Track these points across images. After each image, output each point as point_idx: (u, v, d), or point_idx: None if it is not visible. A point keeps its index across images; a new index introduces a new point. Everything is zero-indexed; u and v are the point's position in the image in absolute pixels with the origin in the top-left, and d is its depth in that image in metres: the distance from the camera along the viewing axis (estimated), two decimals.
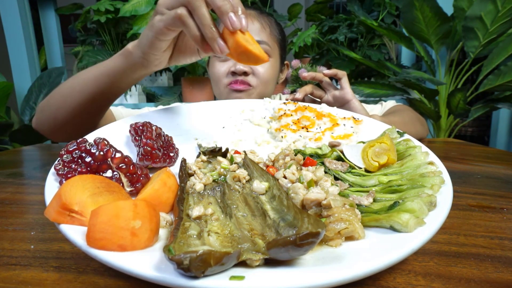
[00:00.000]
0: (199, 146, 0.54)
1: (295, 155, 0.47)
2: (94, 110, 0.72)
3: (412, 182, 0.40)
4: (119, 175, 0.40)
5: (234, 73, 0.93)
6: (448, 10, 1.95)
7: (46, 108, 0.74)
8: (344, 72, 0.85)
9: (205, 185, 0.41)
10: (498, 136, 2.53)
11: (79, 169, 0.39)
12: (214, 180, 0.43)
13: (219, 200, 0.38)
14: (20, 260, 0.36)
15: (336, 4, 3.97)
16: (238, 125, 0.65)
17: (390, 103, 1.11)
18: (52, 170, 0.40)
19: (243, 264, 0.27)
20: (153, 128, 0.50)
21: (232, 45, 0.47)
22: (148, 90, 2.62)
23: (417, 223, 0.31)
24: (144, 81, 2.61)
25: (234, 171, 0.44)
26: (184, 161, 0.46)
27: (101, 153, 0.39)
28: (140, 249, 0.29)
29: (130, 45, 0.62)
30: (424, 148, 0.49)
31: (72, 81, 0.71)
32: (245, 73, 0.93)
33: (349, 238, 0.32)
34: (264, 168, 0.46)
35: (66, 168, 0.39)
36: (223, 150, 0.51)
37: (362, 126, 0.62)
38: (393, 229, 0.32)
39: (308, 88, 0.83)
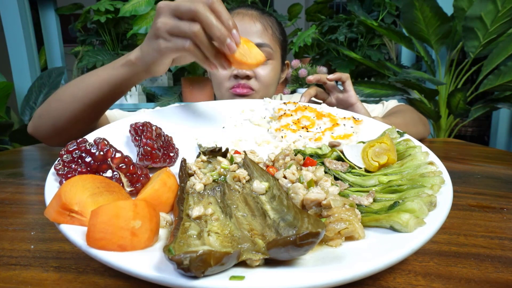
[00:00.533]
0: (199, 146, 0.54)
1: (295, 155, 0.47)
2: (94, 116, 0.74)
3: (412, 182, 0.40)
4: (119, 175, 0.40)
5: (236, 77, 0.92)
6: (448, 10, 1.95)
7: (45, 114, 0.74)
8: (348, 75, 0.85)
9: (205, 185, 0.41)
10: (498, 136, 2.53)
11: (79, 169, 0.39)
12: (214, 180, 0.43)
13: (219, 200, 0.38)
14: (20, 260, 0.36)
15: (336, 4, 3.97)
16: (238, 125, 0.65)
17: (392, 103, 1.10)
18: (52, 170, 0.40)
19: (243, 264, 0.27)
20: (153, 128, 0.50)
21: (232, 60, 0.55)
22: (148, 90, 2.62)
23: (417, 223, 0.31)
24: (144, 81, 2.62)
25: (234, 171, 0.44)
26: (184, 161, 0.46)
27: (101, 153, 0.39)
28: (140, 249, 0.29)
29: (133, 57, 0.64)
30: (424, 148, 0.49)
31: (73, 89, 0.71)
32: (248, 77, 0.92)
33: (349, 238, 0.32)
34: (264, 168, 0.46)
35: (66, 168, 0.39)
36: (223, 150, 0.51)
37: (362, 126, 0.62)
38: (393, 229, 0.32)
39: (312, 91, 0.83)
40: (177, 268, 0.24)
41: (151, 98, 2.64)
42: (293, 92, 2.28)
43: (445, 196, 0.37)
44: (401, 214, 0.32)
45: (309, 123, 0.62)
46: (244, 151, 0.49)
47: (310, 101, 0.86)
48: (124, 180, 0.40)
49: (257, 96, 0.95)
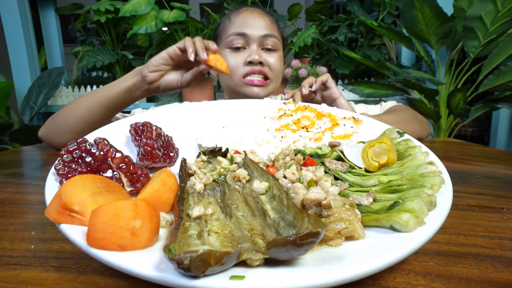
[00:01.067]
0: (199, 146, 0.54)
1: (295, 155, 0.47)
2: (106, 121, 0.88)
3: (412, 182, 0.40)
4: (119, 175, 0.40)
5: (250, 63, 0.98)
6: (448, 10, 1.95)
7: (62, 122, 0.88)
8: (327, 75, 0.89)
9: (205, 185, 0.41)
10: (498, 136, 2.53)
11: (79, 169, 0.39)
12: (214, 180, 0.43)
13: (219, 200, 0.38)
14: (20, 260, 0.36)
15: (336, 4, 3.97)
16: (238, 125, 0.65)
17: (390, 103, 1.11)
18: (52, 170, 0.40)
19: (243, 264, 0.27)
20: (153, 128, 0.50)
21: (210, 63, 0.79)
22: None
23: (417, 223, 0.31)
24: None
25: (234, 171, 0.44)
26: (184, 161, 0.46)
27: (101, 153, 0.39)
28: (140, 249, 0.29)
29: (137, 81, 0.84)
30: (424, 148, 0.49)
31: (89, 103, 0.86)
32: (261, 63, 0.98)
33: (349, 238, 0.32)
34: (264, 168, 0.46)
35: (66, 168, 0.39)
36: (223, 150, 0.51)
37: (362, 126, 0.62)
38: (393, 229, 0.32)
39: (300, 93, 0.87)
40: (177, 268, 0.24)
41: (151, 98, 2.64)
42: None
43: (445, 196, 0.37)
44: (401, 214, 0.32)
45: (309, 123, 0.62)
46: (244, 151, 0.49)
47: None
48: (124, 180, 0.40)
49: (270, 86, 1.01)
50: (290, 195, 0.37)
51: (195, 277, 0.25)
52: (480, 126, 3.06)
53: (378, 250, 0.29)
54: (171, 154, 0.51)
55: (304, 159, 0.46)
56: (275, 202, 0.36)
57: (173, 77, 0.84)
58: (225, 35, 1.03)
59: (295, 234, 0.26)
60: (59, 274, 0.34)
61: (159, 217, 0.32)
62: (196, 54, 0.78)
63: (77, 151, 0.40)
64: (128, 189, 0.40)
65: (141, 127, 0.50)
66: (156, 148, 0.47)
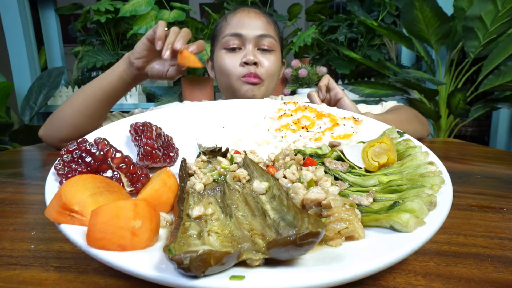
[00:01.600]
0: (199, 146, 0.54)
1: (295, 155, 0.47)
2: (102, 114, 0.91)
3: (412, 182, 0.40)
4: (119, 175, 0.40)
5: (245, 64, 0.98)
6: (448, 10, 1.95)
7: (60, 118, 0.89)
8: (327, 76, 0.89)
9: (205, 185, 0.41)
10: (498, 136, 2.53)
11: (79, 169, 0.39)
12: (214, 180, 0.43)
13: (219, 200, 0.38)
14: (20, 260, 0.36)
15: (336, 4, 3.96)
16: (238, 125, 0.65)
17: (391, 103, 1.11)
18: (52, 170, 0.40)
19: (243, 264, 0.27)
20: (153, 128, 0.50)
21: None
22: (148, 90, 2.62)
23: (417, 223, 0.31)
24: (144, 81, 2.61)
25: (234, 171, 0.44)
26: (184, 161, 0.46)
27: (101, 153, 0.39)
28: (140, 249, 0.29)
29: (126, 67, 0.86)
30: (424, 148, 0.49)
31: (84, 96, 0.88)
32: (255, 64, 0.98)
33: (349, 238, 0.32)
34: (264, 168, 0.46)
35: (66, 168, 0.39)
36: (223, 150, 0.51)
37: (362, 126, 0.62)
38: (393, 229, 0.32)
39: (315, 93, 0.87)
40: (177, 268, 0.24)
41: (151, 98, 2.64)
42: (293, 92, 2.28)
43: (445, 196, 0.37)
44: (401, 214, 0.32)
45: (309, 123, 0.62)
46: (244, 151, 0.49)
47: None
48: (124, 180, 0.40)
49: (263, 85, 1.01)
50: (290, 195, 0.37)
51: (195, 277, 0.25)
52: (480, 126, 3.06)
53: (378, 250, 0.29)
54: (171, 154, 0.51)
55: (304, 159, 0.46)
56: (275, 202, 0.36)
57: (158, 68, 0.84)
58: (221, 35, 1.03)
59: (295, 234, 0.26)
60: (59, 274, 0.34)
61: (159, 217, 0.32)
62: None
63: (77, 151, 0.40)
64: (128, 189, 0.40)
65: (141, 127, 0.50)
66: (156, 148, 0.47)
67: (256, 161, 0.48)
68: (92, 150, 0.40)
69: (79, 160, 0.40)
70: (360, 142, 0.52)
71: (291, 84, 2.36)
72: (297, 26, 3.00)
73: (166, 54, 0.75)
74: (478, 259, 0.36)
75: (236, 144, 0.59)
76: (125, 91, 0.89)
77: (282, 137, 0.59)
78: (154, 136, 0.49)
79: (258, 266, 0.27)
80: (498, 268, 0.34)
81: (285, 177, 0.41)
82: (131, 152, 0.52)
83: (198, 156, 0.50)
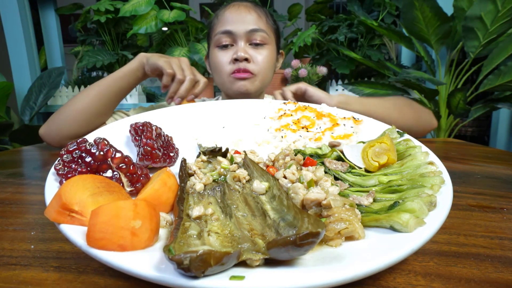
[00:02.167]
0: (199, 146, 0.54)
1: (295, 155, 0.47)
2: (111, 109, 0.96)
3: (412, 182, 0.40)
4: (119, 175, 0.40)
5: (236, 60, 0.98)
6: (448, 10, 1.95)
7: (68, 113, 0.91)
8: (300, 84, 0.92)
9: (205, 185, 0.41)
10: (498, 136, 2.53)
11: (79, 169, 0.39)
12: (214, 180, 0.43)
13: (219, 200, 0.38)
14: (20, 260, 0.36)
15: (336, 4, 3.96)
16: (238, 125, 0.65)
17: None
18: (52, 170, 0.40)
19: (243, 264, 0.27)
20: (153, 128, 0.50)
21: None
22: (148, 90, 2.62)
23: (417, 223, 0.31)
24: (144, 81, 2.61)
25: (234, 171, 0.44)
26: (184, 161, 0.46)
27: (101, 153, 0.39)
28: (140, 249, 0.29)
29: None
30: (424, 148, 0.49)
31: (98, 90, 0.92)
32: (246, 60, 0.98)
33: (349, 238, 0.32)
34: (264, 168, 0.46)
35: (66, 168, 0.39)
36: (223, 150, 0.51)
37: (362, 126, 0.62)
38: (393, 229, 0.32)
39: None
40: (177, 268, 0.24)
41: (151, 98, 2.64)
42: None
43: (445, 196, 0.37)
44: (401, 214, 0.32)
45: (309, 123, 0.62)
46: (244, 151, 0.49)
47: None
48: (124, 180, 0.40)
49: (256, 79, 1.00)
50: (290, 195, 0.37)
51: (195, 277, 0.25)
52: (480, 126, 3.06)
53: (378, 250, 0.29)
54: (171, 154, 0.51)
55: (304, 159, 0.46)
56: (275, 202, 0.36)
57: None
58: (213, 33, 1.03)
59: (295, 234, 0.26)
60: (59, 274, 0.34)
61: (159, 217, 0.32)
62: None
63: (77, 151, 0.40)
64: (128, 189, 0.40)
65: (141, 127, 0.50)
66: (156, 148, 0.47)
67: (256, 161, 0.48)
68: (92, 150, 0.40)
69: (79, 160, 0.40)
70: (360, 142, 0.52)
71: (291, 84, 2.36)
72: (297, 26, 3.00)
73: (177, 101, 0.89)
74: (478, 259, 0.36)
75: (236, 144, 0.59)
76: (134, 86, 0.96)
77: (282, 137, 0.59)
78: (154, 136, 0.49)
79: (258, 266, 0.27)
80: (498, 268, 0.34)
81: (285, 177, 0.41)
82: (131, 152, 0.52)
83: (198, 156, 0.50)
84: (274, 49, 1.06)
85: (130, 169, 0.40)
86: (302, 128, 0.61)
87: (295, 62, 2.32)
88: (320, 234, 0.26)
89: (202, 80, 0.90)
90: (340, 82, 2.63)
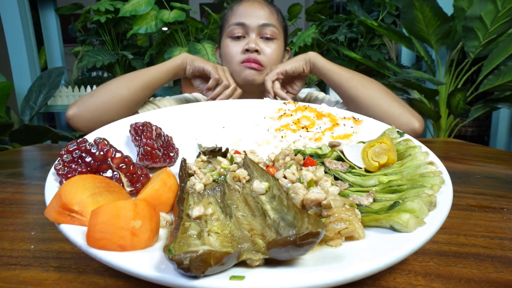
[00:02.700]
0: (199, 146, 0.54)
1: (295, 155, 0.47)
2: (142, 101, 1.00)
3: (412, 182, 0.40)
4: (119, 175, 0.40)
5: (247, 50, 1.04)
6: (448, 10, 1.95)
7: (88, 105, 0.91)
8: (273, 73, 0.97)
9: (205, 185, 0.41)
10: (498, 136, 2.53)
11: (79, 169, 0.39)
12: (214, 180, 0.43)
13: (219, 200, 0.38)
14: (20, 260, 0.36)
15: (336, 4, 3.97)
16: (238, 125, 0.65)
17: None
18: (52, 170, 0.40)
19: (243, 264, 0.27)
20: (153, 128, 0.50)
21: None
22: None
23: (417, 223, 0.31)
24: None
25: (234, 171, 0.44)
26: (184, 161, 0.46)
27: (101, 153, 0.39)
28: (140, 249, 0.29)
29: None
30: (424, 148, 0.49)
31: (133, 84, 0.95)
32: (257, 51, 1.04)
33: (349, 238, 0.32)
34: (264, 168, 0.46)
35: (66, 168, 0.39)
36: (223, 150, 0.51)
37: (362, 126, 0.62)
38: (393, 229, 0.32)
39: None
40: (177, 268, 0.24)
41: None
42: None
43: (445, 196, 0.37)
44: (401, 214, 0.32)
45: (309, 123, 0.62)
46: (244, 151, 0.49)
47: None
48: (124, 180, 0.40)
49: (264, 72, 1.06)
50: (290, 195, 0.37)
51: (195, 277, 0.25)
52: (480, 126, 3.06)
53: (378, 250, 0.29)
54: (171, 154, 0.51)
55: (304, 159, 0.46)
56: (275, 202, 0.36)
57: (198, 84, 1.04)
58: (227, 24, 1.09)
59: (295, 234, 0.26)
60: (59, 274, 0.34)
61: (159, 217, 0.32)
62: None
63: (77, 151, 0.40)
64: (128, 189, 0.40)
65: (141, 127, 0.50)
66: (156, 148, 0.47)
67: (256, 161, 0.48)
68: (92, 150, 0.40)
69: (79, 160, 0.40)
70: (360, 142, 0.52)
71: None
72: (297, 26, 3.00)
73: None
74: (478, 259, 0.36)
75: (236, 144, 0.59)
76: (168, 82, 1.03)
77: (282, 137, 0.59)
78: (154, 136, 0.49)
79: (258, 266, 0.27)
80: (498, 268, 0.34)
81: (285, 177, 0.41)
82: (131, 152, 0.52)
83: (198, 156, 0.50)
84: (282, 45, 1.12)
85: (130, 169, 0.40)
86: (302, 128, 0.61)
87: None
88: (320, 234, 0.26)
89: (239, 89, 0.98)
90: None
